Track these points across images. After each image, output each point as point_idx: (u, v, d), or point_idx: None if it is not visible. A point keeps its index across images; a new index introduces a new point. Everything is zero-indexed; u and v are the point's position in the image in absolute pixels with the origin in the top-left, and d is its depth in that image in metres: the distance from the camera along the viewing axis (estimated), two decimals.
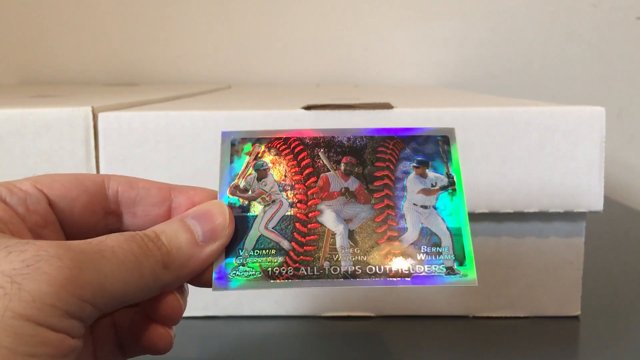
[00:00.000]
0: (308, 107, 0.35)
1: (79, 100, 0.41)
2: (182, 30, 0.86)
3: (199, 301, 0.37)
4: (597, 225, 0.44)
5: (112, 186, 0.24)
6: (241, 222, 0.24)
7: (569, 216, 0.36)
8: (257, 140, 0.26)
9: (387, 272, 0.23)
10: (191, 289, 0.24)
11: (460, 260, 0.23)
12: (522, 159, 0.35)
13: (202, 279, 0.23)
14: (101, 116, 0.35)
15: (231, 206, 0.24)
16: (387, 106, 0.35)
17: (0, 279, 0.17)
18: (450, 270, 0.23)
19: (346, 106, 0.35)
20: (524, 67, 0.85)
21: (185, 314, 0.37)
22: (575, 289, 0.37)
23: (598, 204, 0.35)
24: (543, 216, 0.36)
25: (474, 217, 0.36)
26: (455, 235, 0.24)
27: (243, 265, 0.23)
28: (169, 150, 0.35)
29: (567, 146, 0.35)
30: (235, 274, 0.23)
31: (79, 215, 0.23)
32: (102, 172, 0.35)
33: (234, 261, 0.23)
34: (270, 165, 0.25)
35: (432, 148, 0.25)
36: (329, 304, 0.38)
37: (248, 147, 0.26)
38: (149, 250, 0.20)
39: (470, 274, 0.23)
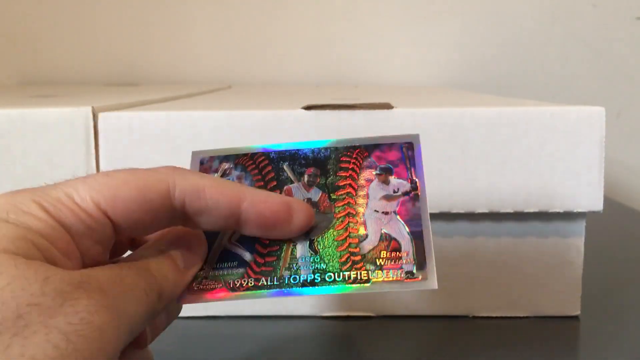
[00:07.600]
0: (308, 107, 0.35)
1: (79, 100, 0.41)
2: (182, 30, 0.86)
3: None
4: (597, 225, 0.44)
5: (179, 197, 0.22)
6: (207, 236, 0.24)
7: (569, 216, 0.36)
8: (224, 157, 0.26)
9: (346, 279, 0.23)
10: None
11: (421, 264, 0.23)
12: (522, 159, 0.35)
13: None
14: (101, 116, 0.35)
15: None
16: (387, 106, 0.35)
17: (56, 337, 0.16)
18: (409, 275, 0.23)
19: (346, 106, 0.35)
20: (524, 67, 0.85)
21: (185, 314, 0.37)
22: (575, 289, 0.37)
23: (598, 204, 0.35)
24: (543, 216, 0.36)
25: (474, 217, 0.36)
26: (416, 239, 0.23)
27: (206, 278, 0.24)
28: (169, 150, 0.35)
29: (567, 146, 0.35)
30: (198, 287, 0.23)
31: (135, 233, 0.22)
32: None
33: (198, 274, 0.24)
34: (236, 181, 0.26)
35: (395, 155, 0.26)
36: (329, 304, 0.38)
37: (216, 164, 0.26)
38: (151, 285, 0.21)
39: (430, 277, 0.23)
